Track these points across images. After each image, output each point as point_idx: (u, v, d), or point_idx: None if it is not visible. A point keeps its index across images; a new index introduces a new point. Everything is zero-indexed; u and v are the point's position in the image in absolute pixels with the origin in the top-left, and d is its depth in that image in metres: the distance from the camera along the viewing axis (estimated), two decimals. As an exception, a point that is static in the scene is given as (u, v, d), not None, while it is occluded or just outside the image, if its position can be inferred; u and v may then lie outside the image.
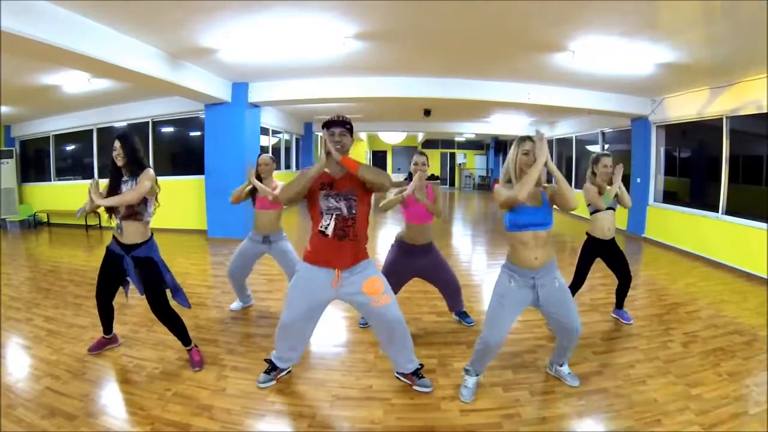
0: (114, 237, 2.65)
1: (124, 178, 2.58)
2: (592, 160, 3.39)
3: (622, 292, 3.52)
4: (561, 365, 2.59)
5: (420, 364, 2.52)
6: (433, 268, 3.25)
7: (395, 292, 3.14)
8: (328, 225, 2.21)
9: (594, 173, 3.36)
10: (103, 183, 2.64)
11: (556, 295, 2.26)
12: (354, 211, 2.23)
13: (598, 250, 3.41)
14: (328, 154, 2.20)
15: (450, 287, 3.33)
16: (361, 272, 2.28)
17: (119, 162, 2.56)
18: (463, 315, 3.48)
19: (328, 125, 2.24)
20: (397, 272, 3.14)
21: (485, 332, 2.31)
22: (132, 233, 2.60)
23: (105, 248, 2.71)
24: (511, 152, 2.25)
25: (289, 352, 2.51)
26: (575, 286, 3.44)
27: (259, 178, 3.46)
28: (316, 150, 13.68)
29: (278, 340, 2.47)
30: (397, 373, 2.57)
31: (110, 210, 2.57)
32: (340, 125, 2.22)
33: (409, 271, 3.24)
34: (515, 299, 2.25)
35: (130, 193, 2.50)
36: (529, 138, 2.20)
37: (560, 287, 2.27)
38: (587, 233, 3.43)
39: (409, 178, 3.19)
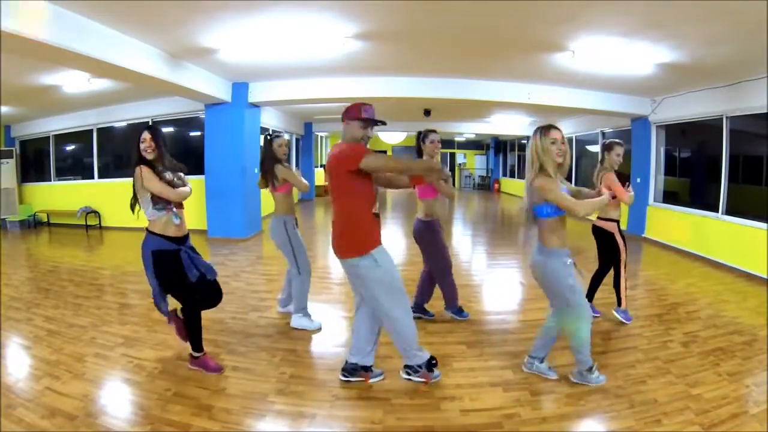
0: (161, 237, 2.46)
1: (160, 169, 2.47)
2: (605, 146, 3.42)
3: (598, 281, 3.58)
4: (542, 362, 2.62)
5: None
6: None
7: (446, 259, 3.35)
8: (377, 207, 2.34)
9: (604, 159, 3.40)
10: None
11: None
12: None
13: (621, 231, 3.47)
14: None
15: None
16: None
17: (150, 155, 2.44)
18: (423, 310, 3.53)
19: (368, 120, 2.32)
20: (443, 244, 3.32)
21: (589, 314, 2.40)
22: (185, 222, 2.58)
23: (152, 253, 2.46)
24: (537, 142, 2.27)
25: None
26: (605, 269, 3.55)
27: (279, 160, 3.32)
28: (316, 150, 13.69)
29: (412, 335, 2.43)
30: (348, 373, 2.56)
31: (167, 203, 2.47)
32: (376, 124, 2.39)
33: None
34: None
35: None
36: (553, 126, 2.28)
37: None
38: (610, 219, 3.41)
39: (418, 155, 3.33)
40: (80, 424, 2.10)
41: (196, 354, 2.65)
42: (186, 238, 2.59)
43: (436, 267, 3.34)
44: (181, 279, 2.49)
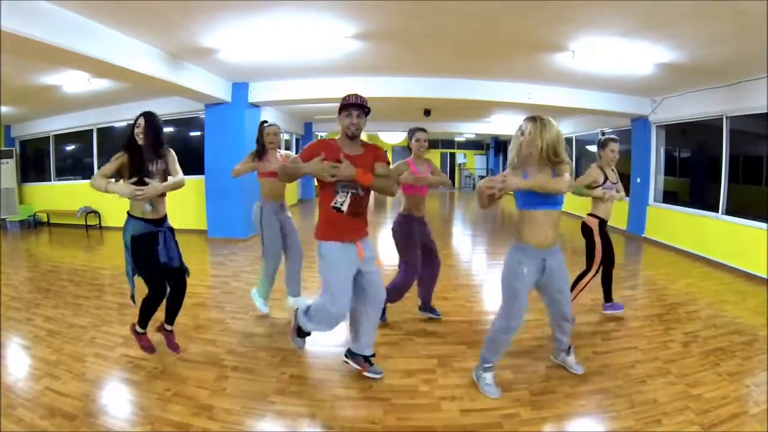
0: (139, 220, 2.57)
1: (147, 158, 2.56)
2: (600, 143, 3.45)
3: (609, 280, 3.57)
4: (568, 354, 2.63)
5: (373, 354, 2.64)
6: (427, 242, 3.35)
7: (415, 260, 3.26)
8: (344, 202, 2.28)
9: (600, 156, 3.43)
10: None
11: (560, 271, 2.37)
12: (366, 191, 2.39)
13: (603, 231, 3.48)
14: (337, 160, 2.24)
15: (434, 267, 3.39)
16: (368, 245, 2.48)
17: (141, 140, 2.54)
18: (431, 309, 3.50)
19: (346, 106, 2.30)
20: (414, 243, 3.25)
21: (506, 323, 2.35)
22: (163, 207, 2.66)
23: (131, 239, 2.55)
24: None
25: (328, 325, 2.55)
26: (609, 266, 3.51)
27: (265, 148, 3.48)
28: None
29: (317, 322, 2.53)
30: (349, 355, 2.65)
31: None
32: (359, 108, 2.31)
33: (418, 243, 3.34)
34: (528, 284, 2.32)
35: (178, 178, 2.63)
36: (529, 118, 2.25)
37: (564, 267, 2.39)
38: (594, 215, 3.43)
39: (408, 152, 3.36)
40: (80, 424, 2.11)
41: (140, 330, 2.76)
42: (164, 219, 2.68)
43: (407, 263, 3.24)
44: (153, 258, 2.57)
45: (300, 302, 3.46)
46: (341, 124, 2.36)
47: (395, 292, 3.27)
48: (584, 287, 3.41)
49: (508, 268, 2.34)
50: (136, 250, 2.57)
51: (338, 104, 2.36)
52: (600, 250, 3.40)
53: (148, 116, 2.57)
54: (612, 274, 3.57)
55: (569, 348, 2.64)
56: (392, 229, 3.30)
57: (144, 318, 2.72)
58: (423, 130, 3.28)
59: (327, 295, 2.37)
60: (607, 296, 3.60)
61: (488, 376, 2.44)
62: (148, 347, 2.76)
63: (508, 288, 2.32)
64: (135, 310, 3.60)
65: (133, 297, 2.70)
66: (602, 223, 3.45)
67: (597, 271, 3.42)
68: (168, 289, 2.71)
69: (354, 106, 2.30)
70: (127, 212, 2.61)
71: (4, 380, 2.50)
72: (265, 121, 3.55)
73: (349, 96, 2.33)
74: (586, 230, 3.50)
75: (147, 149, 2.57)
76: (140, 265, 2.60)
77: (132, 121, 2.60)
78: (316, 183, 2.46)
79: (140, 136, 2.54)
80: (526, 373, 2.64)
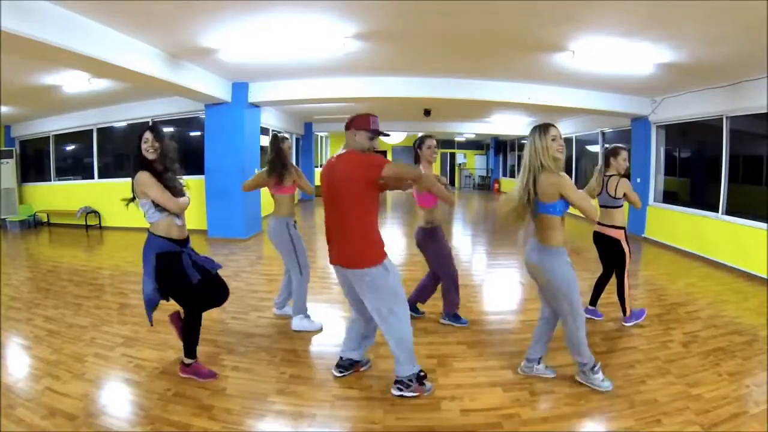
0: (165, 239, 2.42)
1: (161, 169, 2.42)
2: (610, 152, 3.41)
3: (601, 287, 3.59)
4: (539, 363, 2.62)
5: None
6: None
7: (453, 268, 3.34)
8: None
9: (609, 164, 3.38)
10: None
11: None
12: None
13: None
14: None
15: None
16: None
17: (151, 155, 2.39)
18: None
19: (379, 133, 2.37)
20: (449, 251, 3.33)
21: (578, 321, 2.35)
22: (185, 224, 2.58)
23: (156, 257, 2.40)
24: (537, 142, 2.27)
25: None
26: (608, 275, 3.58)
27: (285, 162, 3.40)
28: (316, 150, 13.69)
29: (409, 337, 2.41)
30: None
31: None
32: (384, 136, 2.44)
33: None
34: None
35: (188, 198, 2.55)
36: (552, 125, 2.30)
37: None
38: (618, 226, 3.42)
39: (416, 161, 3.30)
40: (80, 424, 2.11)
41: (188, 361, 2.58)
42: (187, 240, 2.57)
43: (447, 274, 3.29)
44: (183, 282, 2.44)
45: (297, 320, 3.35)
46: (364, 144, 2.33)
47: (453, 307, 3.38)
48: (629, 293, 3.46)
49: (567, 274, 2.32)
50: (161, 268, 2.41)
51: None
52: (629, 255, 3.43)
53: (156, 130, 2.45)
54: (608, 281, 3.57)
55: (540, 358, 2.62)
56: (421, 244, 3.31)
57: (189, 346, 2.57)
58: (431, 136, 3.27)
59: (402, 305, 2.36)
60: (593, 300, 3.59)
61: (599, 374, 2.45)
62: (208, 373, 2.57)
63: (571, 290, 2.32)
64: (136, 310, 3.64)
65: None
66: (624, 231, 3.45)
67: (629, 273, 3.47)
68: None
69: (378, 133, 2.37)
70: (149, 231, 2.45)
71: (4, 380, 2.50)
72: (278, 134, 3.44)
73: (374, 119, 2.36)
74: (610, 241, 3.43)
75: (159, 162, 2.42)
76: (171, 286, 2.46)
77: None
78: (328, 196, 2.38)
79: (150, 151, 2.39)
80: (527, 373, 2.64)
